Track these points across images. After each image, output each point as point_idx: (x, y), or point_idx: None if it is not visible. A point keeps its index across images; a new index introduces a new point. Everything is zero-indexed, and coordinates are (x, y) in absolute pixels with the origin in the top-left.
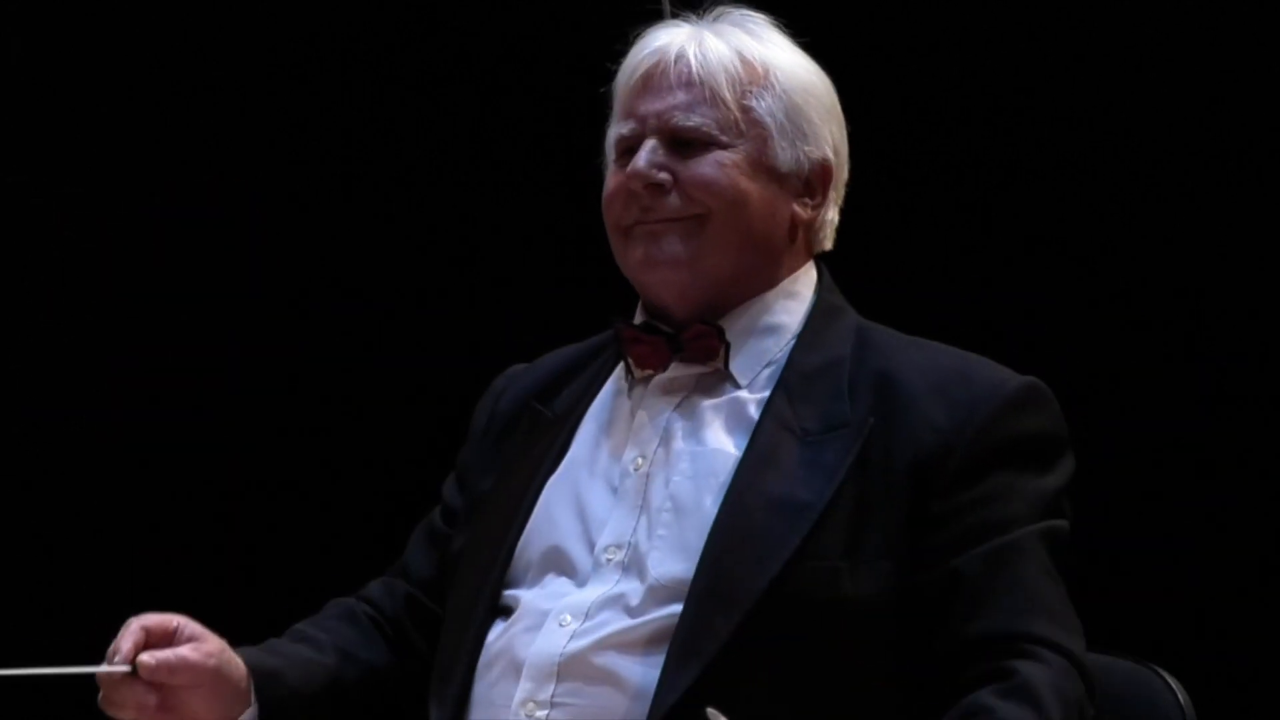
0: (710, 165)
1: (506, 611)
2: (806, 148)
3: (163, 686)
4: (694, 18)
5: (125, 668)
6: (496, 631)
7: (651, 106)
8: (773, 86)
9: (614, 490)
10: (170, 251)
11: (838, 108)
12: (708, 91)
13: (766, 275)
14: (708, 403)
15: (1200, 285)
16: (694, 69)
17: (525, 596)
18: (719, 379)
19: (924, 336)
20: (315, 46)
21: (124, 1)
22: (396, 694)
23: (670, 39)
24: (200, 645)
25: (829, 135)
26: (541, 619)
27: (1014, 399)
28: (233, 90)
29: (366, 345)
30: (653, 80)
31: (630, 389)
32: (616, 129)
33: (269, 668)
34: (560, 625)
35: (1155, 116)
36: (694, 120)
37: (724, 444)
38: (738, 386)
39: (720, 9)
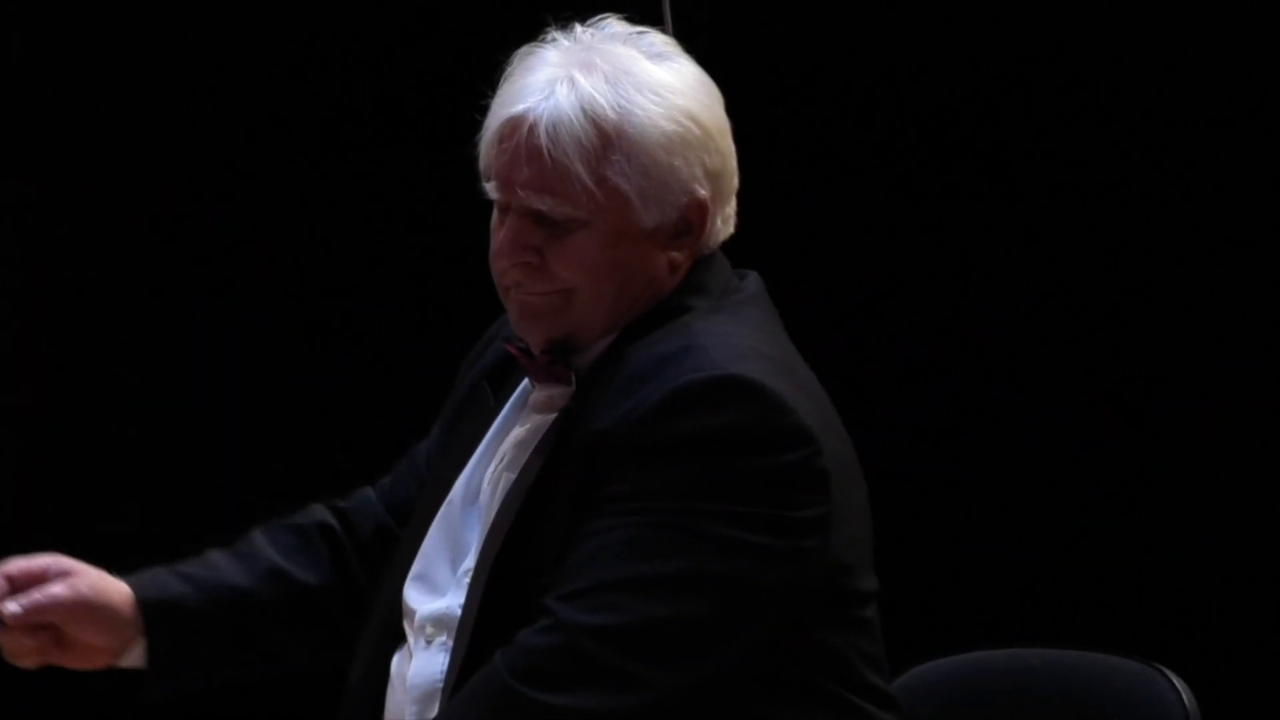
0: (572, 250)
1: (401, 629)
2: (672, 198)
3: (44, 628)
4: (571, 37)
5: None
6: (395, 657)
7: (509, 175)
8: (628, 148)
9: (475, 506)
10: (169, 250)
11: (715, 127)
12: (559, 169)
13: (644, 309)
14: (546, 423)
15: (1202, 282)
16: (544, 145)
17: (410, 612)
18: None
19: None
20: (315, 47)
21: (123, 1)
22: (327, 614)
23: (526, 102)
24: (73, 580)
25: (699, 171)
26: (415, 638)
27: (684, 392)
28: (232, 90)
29: (368, 342)
30: (506, 147)
31: (528, 398)
32: (485, 184)
33: (169, 596)
34: (428, 643)
35: (1125, 109)
36: (548, 203)
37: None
38: None
39: (603, 17)
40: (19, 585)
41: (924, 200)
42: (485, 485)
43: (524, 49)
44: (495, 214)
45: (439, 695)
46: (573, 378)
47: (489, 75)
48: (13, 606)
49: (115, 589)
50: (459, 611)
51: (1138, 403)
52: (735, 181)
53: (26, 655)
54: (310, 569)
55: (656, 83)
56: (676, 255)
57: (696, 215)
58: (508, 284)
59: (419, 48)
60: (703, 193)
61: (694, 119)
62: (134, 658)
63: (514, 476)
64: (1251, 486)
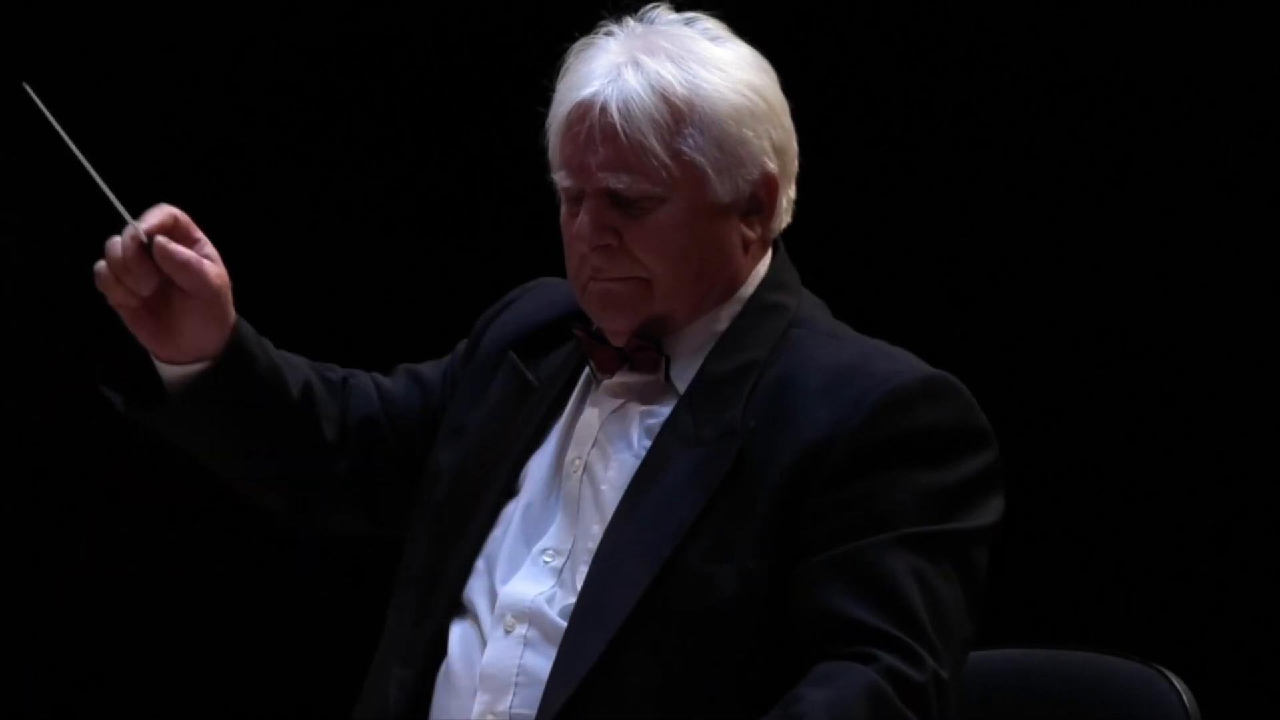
0: (650, 229)
1: (465, 608)
2: (745, 171)
3: (161, 280)
4: (624, 28)
5: (144, 235)
6: (456, 630)
7: (582, 160)
8: (701, 122)
9: (554, 490)
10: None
11: (777, 102)
12: (634, 146)
13: (721, 295)
14: (642, 411)
15: (1203, 282)
16: (618, 124)
17: (481, 597)
18: (662, 389)
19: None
20: (315, 49)
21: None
22: (297, 453)
23: (593, 86)
24: (216, 265)
25: (768, 145)
26: (494, 624)
27: (901, 393)
28: (223, 90)
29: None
30: (577, 132)
31: (596, 382)
32: (556, 174)
33: (250, 348)
34: (507, 632)
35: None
36: (625, 181)
37: (640, 455)
38: (679, 396)
39: (652, 8)
40: (176, 235)
41: (921, 198)
42: (569, 470)
43: (579, 42)
44: (565, 207)
45: (513, 685)
46: (665, 365)
47: (486, 78)
48: (168, 241)
49: (231, 307)
50: (544, 602)
51: (1138, 402)
52: (796, 163)
53: (127, 292)
54: (330, 420)
55: (719, 59)
56: (749, 233)
57: (766, 191)
58: (586, 274)
59: (417, 50)
60: (772, 167)
61: (759, 92)
62: (185, 371)
63: (634, 461)
64: (1251, 486)
